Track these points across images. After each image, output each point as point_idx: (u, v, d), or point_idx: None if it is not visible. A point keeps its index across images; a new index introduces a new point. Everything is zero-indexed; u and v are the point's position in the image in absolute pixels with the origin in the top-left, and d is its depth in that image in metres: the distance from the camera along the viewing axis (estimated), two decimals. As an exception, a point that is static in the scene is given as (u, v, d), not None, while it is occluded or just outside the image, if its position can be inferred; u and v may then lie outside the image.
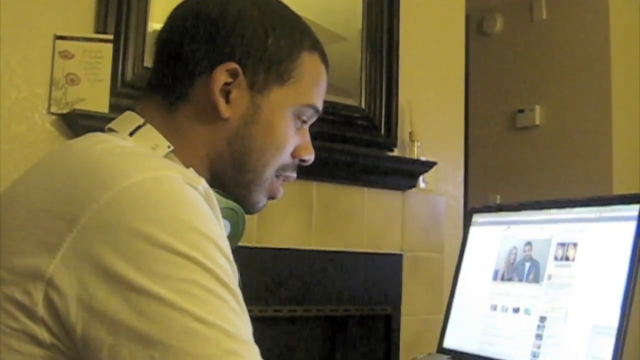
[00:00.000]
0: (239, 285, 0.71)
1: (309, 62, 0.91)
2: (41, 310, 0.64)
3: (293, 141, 0.92)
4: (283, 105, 0.89)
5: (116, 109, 2.07)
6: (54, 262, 0.64)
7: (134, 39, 2.19)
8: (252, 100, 0.88)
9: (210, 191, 0.75)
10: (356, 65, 2.70)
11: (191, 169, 0.83)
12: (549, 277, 1.29)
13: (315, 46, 0.93)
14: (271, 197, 0.95)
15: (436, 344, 1.53)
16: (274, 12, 0.91)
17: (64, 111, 2.04)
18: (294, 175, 0.96)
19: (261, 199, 0.94)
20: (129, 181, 0.67)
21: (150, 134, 0.85)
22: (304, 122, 0.94)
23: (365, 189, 2.68)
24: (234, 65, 0.86)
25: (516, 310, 1.35)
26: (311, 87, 0.92)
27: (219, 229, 0.71)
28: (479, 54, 4.09)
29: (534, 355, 1.25)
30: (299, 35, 0.91)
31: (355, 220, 2.65)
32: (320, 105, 0.94)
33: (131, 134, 0.84)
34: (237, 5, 0.88)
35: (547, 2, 3.79)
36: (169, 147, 0.84)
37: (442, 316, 1.54)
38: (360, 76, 2.71)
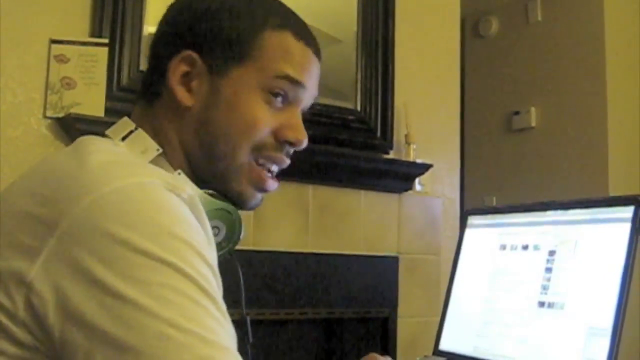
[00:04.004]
0: (242, 287, 0.71)
1: (272, 40, 0.88)
2: (22, 314, 0.64)
3: (266, 119, 0.88)
4: (245, 84, 0.87)
5: (112, 112, 2.07)
6: (35, 266, 0.64)
7: (130, 43, 2.19)
8: (212, 84, 0.87)
9: (196, 199, 0.74)
10: (352, 68, 2.71)
11: (179, 174, 0.85)
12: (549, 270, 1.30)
13: (285, 24, 0.90)
14: (260, 189, 0.91)
15: (432, 346, 1.53)
16: None
17: (60, 115, 2.04)
18: (280, 156, 0.91)
19: (246, 190, 0.90)
20: (110, 187, 0.67)
21: (140, 138, 0.85)
22: (284, 97, 0.89)
23: (362, 192, 2.69)
24: (187, 52, 0.86)
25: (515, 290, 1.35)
26: (278, 60, 0.88)
27: (201, 236, 0.70)
28: (474, 56, 4.10)
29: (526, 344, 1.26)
30: (261, 15, 0.89)
31: (352, 222, 2.66)
32: (300, 77, 0.89)
33: (123, 139, 0.85)
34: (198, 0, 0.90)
35: (542, 5, 3.80)
36: (157, 149, 0.85)
37: (438, 318, 1.55)
38: (355, 78, 2.71)
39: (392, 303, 2.73)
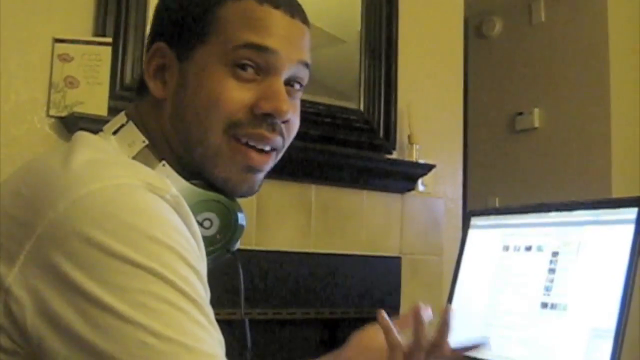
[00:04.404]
0: (242, 288, 0.69)
1: (231, 10, 0.82)
2: (2, 319, 0.63)
3: (235, 95, 0.81)
4: (207, 62, 0.82)
5: (115, 112, 2.05)
6: (13, 270, 0.63)
7: (133, 42, 2.19)
8: (180, 70, 0.84)
9: (180, 199, 0.71)
10: (355, 68, 2.71)
11: (164, 165, 0.83)
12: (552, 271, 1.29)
13: None
14: (247, 167, 0.84)
15: (435, 347, 1.52)
16: None
17: (63, 114, 2.05)
18: (260, 132, 0.83)
19: (231, 173, 0.84)
20: (87, 189, 0.65)
21: (128, 131, 0.85)
22: (256, 68, 0.82)
23: (364, 192, 2.69)
24: (156, 45, 0.86)
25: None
26: (238, 28, 0.82)
27: (184, 238, 0.67)
28: (478, 56, 4.09)
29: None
30: None
31: (354, 223, 2.66)
32: (266, 42, 0.82)
33: (115, 132, 0.85)
34: None
35: (546, 5, 3.79)
36: (143, 142, 0.84)
37: (440, 319, 1.54)
38: (359, 79, 2.71)
39: (395, 303, 2.72)
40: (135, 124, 0.86)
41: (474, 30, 4.15)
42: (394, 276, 2.73)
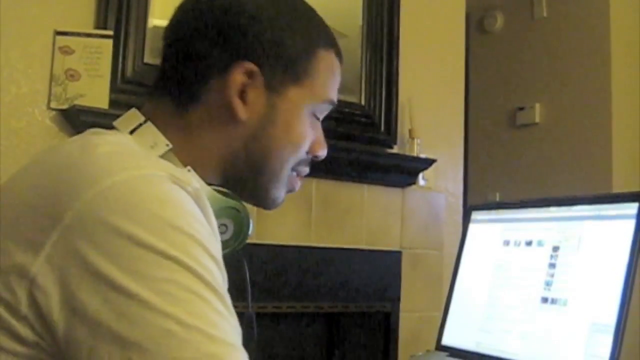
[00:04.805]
0: (247, 282, 0.70)
1: (324, 59, 0.90)
2: (25, 309, 0.63)
3: (309, 138, 0.91)
4: (300, 104, 0.88)
5: (116, 105, 2.07)
6: (38, 260, 0.63)
7: (134, 35, 2.19)
8: (268, 100, 0.86)
9: (201, 192, 0.73)
10: (356, 62, 2.70)
11: (186, 169, 0.82)
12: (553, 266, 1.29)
13: (331, 42, 0.92)
14: (289, 191, 0.94)
15: (435, 341, 1.53)
16: (291, 8, 0.89)
17: (64, 107, 2.04)
18: (307, 170, 0.95)
19: (280, 195, 0.93)
20: (113, 179, 0.66)
21: (150, 132, 0.83)
22: (317, 117, 0.93)
23: (365, 186, 2.68)
24: (251, 65, 0.84)
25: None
26: (327, 83, 0.91)
27: (205, 229, 0.69)
28: (479, 51, 4.09)
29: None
30: (315, 32, 0.90)
31: (355, 217, 2.66)
32: (335, 99, 0.93)
33: (132, 132, 0.83)
34: (253, 2, 0.86)
35: (547, 0, 3.79)
36: (167, 145, 0.82)
37: (441, 313, 1.55)
38: (360, 73, 2.71)
39: (395, 298, 2.73)
40: (169, 132, 0.84)
41: (476, 25, 4.14)
42: (394, 270, 2.73)
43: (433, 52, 2.97)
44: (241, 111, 0.84)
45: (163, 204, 0.66)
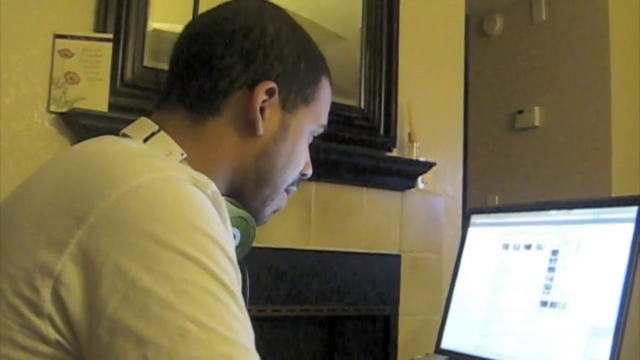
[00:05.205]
0: (248, 286, 0.71)
1: (325, 86, 0.97)
2: (48, 306, 0.64)
3: (306, 158, 0.98)
4: (305, 126, 0.94)
5: (115, 108, 2.08)
6: (62, 258, 0.65)
7: (134, 38, 2.19)
8: (282, 119, 0.91)
9: (219, 195, 0.74)
10: (356, 66, 2.70)
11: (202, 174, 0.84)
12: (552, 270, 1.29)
13: (329, 71, 0.99)
14: (275, 211, 0.99)
15: (434, 344, 1.53)
16: (302, 36, 0.96)
17: (63, 110, 2.04)
18: (296, 189, 1.00)
19: (269, 212, 0.98)
20: (137, 181, 0.68)
21: (164, 141, 0.85)
22: (312, 138, 0.99)
23: (364, 189, 2.69)
24: (273, 84, 0.88)
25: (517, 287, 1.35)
26: (325, 108, 0.98)
27: (225, 232, 0.71)
28: (478, 54, 4.09)
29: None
30: (320, 60, 0.97)
31: (354, 220, 2.66)
32: (326, 122, 1.00)
33: (145, 140, 0.84)
34: (273, 24, 0.91)
35: (547, 3, 3.79)
36: (182, 154, 0.85)
37: (440, 317, 1.55)
38: (359, 76, 2.71)
39: (394, 301, 2.73)
40: (184, 142, 0.86)
41: (475, 28, 4.15)
42: (393, 274, 2.73)
43: (432, 55, 2.97)
44: (260, 126, 0.89)
45: (185, 205, 0.68)
